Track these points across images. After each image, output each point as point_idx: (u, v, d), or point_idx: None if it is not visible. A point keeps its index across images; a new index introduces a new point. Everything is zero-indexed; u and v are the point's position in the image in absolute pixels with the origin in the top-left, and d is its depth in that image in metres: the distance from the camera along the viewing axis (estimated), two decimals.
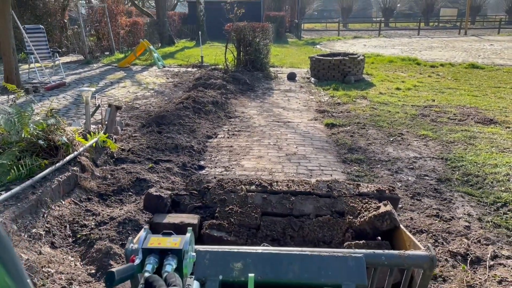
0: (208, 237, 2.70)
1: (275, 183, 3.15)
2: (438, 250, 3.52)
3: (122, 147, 5.51)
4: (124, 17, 19.59)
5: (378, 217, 2.66)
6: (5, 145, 4.13)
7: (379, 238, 2.76)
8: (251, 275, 1.56)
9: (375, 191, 3.00)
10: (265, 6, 34.32)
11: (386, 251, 2.08)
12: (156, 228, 2.66)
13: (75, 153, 4.42)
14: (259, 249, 2.02)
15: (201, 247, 2.00)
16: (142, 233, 1.39)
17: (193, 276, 1.48)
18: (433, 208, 4.27)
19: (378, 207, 2.75)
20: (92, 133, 5.14)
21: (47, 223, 3.57)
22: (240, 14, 12.46)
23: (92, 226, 3.68)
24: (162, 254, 1.32)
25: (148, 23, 22.06)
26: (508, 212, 4.17)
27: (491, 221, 4.00)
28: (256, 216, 2.87)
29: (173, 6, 36.40)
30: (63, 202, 3.93)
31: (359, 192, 3.01)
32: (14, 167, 3.83)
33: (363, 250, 2.04)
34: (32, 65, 11.36)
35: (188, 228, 1.39)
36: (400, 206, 4.25)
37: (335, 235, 2.75)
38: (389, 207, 2.68)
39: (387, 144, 6.30)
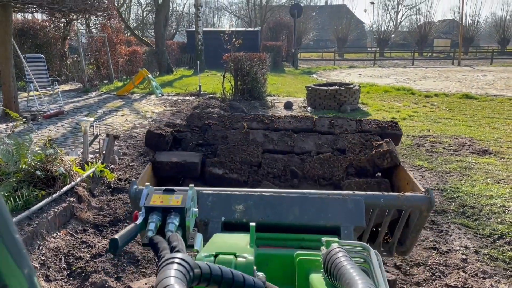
0: (210, 175, 2.65)
1: (277, 119, 3.09)
2: (436, 284, 3.51)
3: (119, 177, 5.52)
4: (124, 46, 19.89)
5: (379, 155, 2.65)
6: (2, 176, 4.14)
7: (379, 174, 2.76)
8: (253, 224, 1.54)
9: (377, 128, 2.97)
10: (263, 36, 34.98)
11: (386, 193, 2.09)
12: (159, 167, 2.63)
13: (72, 183, 4.42)
14: (260, 191, 2.03)
15: (203, 189, 2.01)
16: (144, 190, 1.39)
17: (196, 229, 1.47)
18: (430, 240, 4.26)
19: (380, 145, 2.73)
20: (89, 163, 5.15)
21: (42, 256, 3.54)
22: (238, 45, 12.69)
23: (88, 258, 3.65)
24: (165, 211, 1.33)
25: (147, 52, 22.40)
26: (504, 245, 4.17)
27: (488, 254, 3.99)
28: (258, 154, 2.82)
29: (172, 35, 37.07)
30: (59, 234, 3.91)
31: (361, 129, 2.99)
32: (11, 198, 3.83)
33: (363, 193, 2.06)
34: (31, 93, 11.45)
35: (190, 185, 1.38)
36: None
37: (336, 172, 2.70)
38: (390, 145, 2.66)
39: None
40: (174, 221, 1.30)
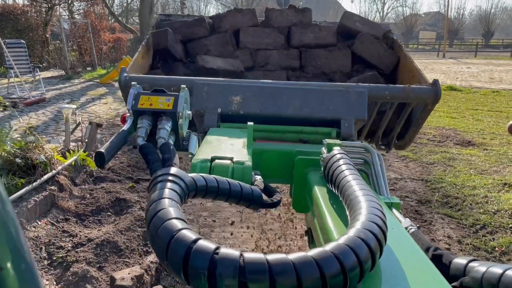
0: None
1: (271, 13, 2.99)
2: None
3: None
4: (107, 33, 19.54)
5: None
6: None
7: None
8: (250, 123, 1.47)
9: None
10: None
11: (391, 85, 2.03)
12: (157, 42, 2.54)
13: (53, 172, 4.32)
14: (259, 82, 1.95)
15: (198, 79, 1.93)
16: (131, 90, 1.27)
17: (190, 131, 1.40)
18: None
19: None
20: (71, 151, 5.04)
21: None
22: None
23: (69, 248, 3.57)
24: (155, 115, 1.24)
25: (132, 39, 22.04)
26: (487, 235, 4.22)
27: (471, 244, 4.04)
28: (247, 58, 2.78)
29: None
30: (39, 223, 3.82)
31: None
32: None
33: (366, 84, 2.00)
34: (11, 80, 11.18)
35: (182, 86, 1.29)
36: None
37: (342, 65, 2.71)
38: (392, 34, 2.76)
39: None
40: (165, 127, 1.21)
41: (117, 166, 5.45)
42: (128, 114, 1.23)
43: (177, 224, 0.74)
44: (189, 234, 0.71)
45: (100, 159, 1.08)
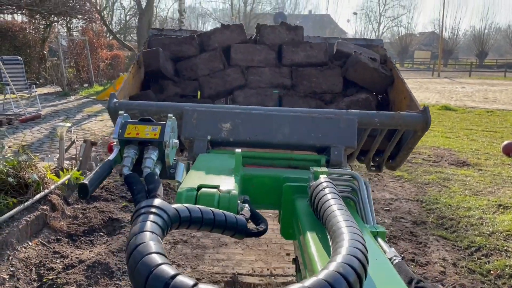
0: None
1: (263, 29, 2.94)
2: None
3: None
4: (105, 50, 19.65)
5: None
6: None
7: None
8: (238, 150, 1.46)
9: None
10: None
11: (380, 112, 2.01)
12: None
13: (46, 191, 4.28)
14: (248, 108, 1.93)
15: (188, 105, 1.91)
16: (118, 119, 1.27)
17: (177, 159, 1.39)
18: (409, 252, 4.26)
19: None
20: (65, 170, 5.01)
21: (12, 266, 3.40)
22: None
23: (60, 269, 3.52)
24: (142, 144, 1.23)
25: (129, 56, 22.16)
26: (482, 257, 4.19)
27: (466, 266, 4.01)
28: (239, 76, 2.78)
29: None
30: (30, 243, 3.77)
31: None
32: None
33: (357, 111, 1.98)
34: (7, 96, 11.17)
35: (169, 115, 1.28)
36: None
37: (333, 85, 2.69)
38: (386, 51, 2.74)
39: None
40: (151, 156, 1.21)
41: (111, 185, 5.41)
42: (115, 143, 1.23)
43: (157, 258, 0.73)
44: (168, 270, 0.71)
45: (84, 191, 1.07)
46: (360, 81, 2.70)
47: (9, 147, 6.89)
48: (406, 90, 2.41)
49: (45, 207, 4.16)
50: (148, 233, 0.80)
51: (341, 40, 2.99)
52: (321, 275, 0.73)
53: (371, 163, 2.40)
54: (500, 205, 5.47)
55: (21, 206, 3.92)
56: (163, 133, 1.23)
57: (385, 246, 1.24)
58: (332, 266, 0.76)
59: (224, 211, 1.05)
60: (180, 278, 0.69)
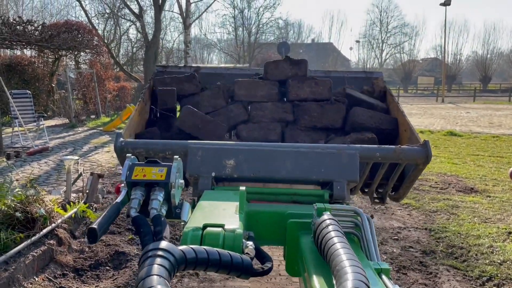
0: None
1: (268, 67, 2.98)
2: None
3: None
4: (112, 82, 19.98)
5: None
6: None
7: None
8: (243, 188, 1.48)
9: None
10: None
11: (382, 146, 2.02)
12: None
13: (53, 225, 4.29)
14: (251, 145, 1.94)
15: (192, 143, 1.94)
16: (126, 162, 1.32)
17: (183, 199, 1.41)
18: (419, 283, 4.19)
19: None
20: (72, 203, 5.03)
21: None
22: None
23: None
24: (148, 186, 1.26)
25: (136, 87, 22.50)
26: (493, 287, 4.11)
27: None
28: (241, 111, 2.80)
29: None
30: (37, 279, 3.75)
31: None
32: None
33: (358, 146, 2.00)
34: (15, 129, 11.32)
35: (175, 156, 1.32)
36: None
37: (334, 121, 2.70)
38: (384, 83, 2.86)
39: (371, 214, 6.28)
40: (158, 197, 1.24)
41: (117, 218, 5.41)
42: (123, 185, 1.27)
43: None
44: None
45: (93, 235, 1.09)
46: (366, 125, 2.74)
47: (17, 180, 6.94)
48: (407, 122, 2.45)
49: (51, 241, 4.16)
50: (155, 277, 0.82)
51: (350, 89, 3.06)
52: None
53: (375, 195, 2.42)
54: (510, 233, 5.40)
55: (28, 241, 3.93)
56: (169, 174, 1.27)
57: (389, 283, 1.24)
58: None
59: (230, 252, 1.07)
60: None
